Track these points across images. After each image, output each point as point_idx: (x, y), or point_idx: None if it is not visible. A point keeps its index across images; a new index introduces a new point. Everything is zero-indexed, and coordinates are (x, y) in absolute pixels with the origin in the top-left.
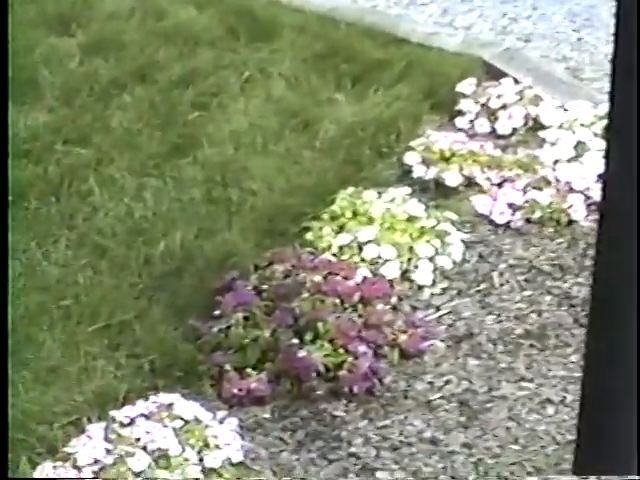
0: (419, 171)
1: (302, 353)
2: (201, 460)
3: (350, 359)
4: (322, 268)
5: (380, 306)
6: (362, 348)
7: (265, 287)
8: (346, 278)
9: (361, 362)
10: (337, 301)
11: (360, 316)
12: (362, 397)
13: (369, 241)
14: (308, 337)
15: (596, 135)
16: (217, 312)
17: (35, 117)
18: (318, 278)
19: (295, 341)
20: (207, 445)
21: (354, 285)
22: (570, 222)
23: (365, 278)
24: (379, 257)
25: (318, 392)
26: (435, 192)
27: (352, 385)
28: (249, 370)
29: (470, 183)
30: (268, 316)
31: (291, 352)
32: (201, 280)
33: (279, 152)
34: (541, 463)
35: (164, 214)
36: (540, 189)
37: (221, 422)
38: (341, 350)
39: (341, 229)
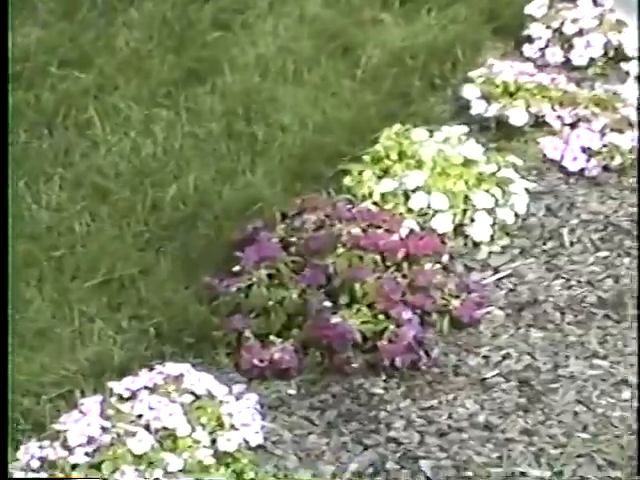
0: (478, 107)
1: (335, 319)
2: (214, 442)
3: (392, 327)
4: (361, 219)
5: (429, 265)
6: (406, 314)
7: (293, 240)
8: (389, 231)
9: (405, 331)
10: (378, 258)
11: (405, 277)
12: (405, 372)
13: (417, 188)
14: (343, 300)
15: None
16: (236, 268)
17: (26, 33)
18: (356, 231)
19: (327, 304)
20: (221, 425)
21: (398, 240)
22: None
23: (411, 232)
24: (429, 207)
25: (353, 365)
26: (497, 132)
27: (393, 358)
28: (272, 337)
29: (538, 122)
30: (296, 274)
31: (322, 317)
32: (218, 230)
33: (313, 81)
34: (614, 455)
35: (176, 152)
36: (620, 131)
37: (238, 398)
38: (381, 316)
39: (385, 173)
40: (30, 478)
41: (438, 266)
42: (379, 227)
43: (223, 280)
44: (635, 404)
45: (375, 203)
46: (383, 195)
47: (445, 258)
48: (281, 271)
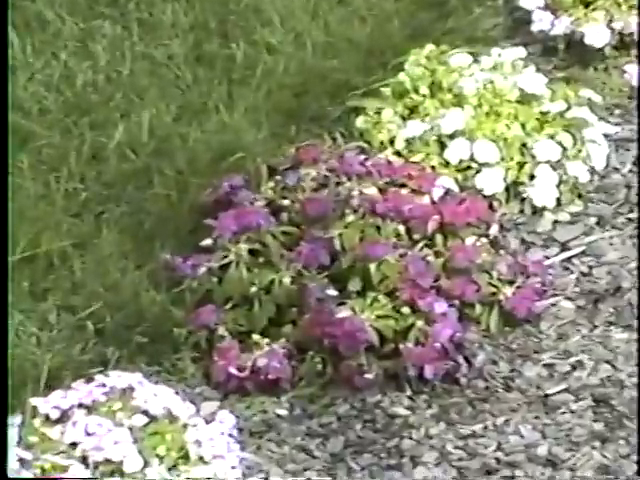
0: (541, 21)
1: (343, 312)
2: None
3: (420, 324)
4: (378, 175)
5: (471, 240)
6: (440, 307)
7: (285, 204)
8: (417, 192)
9: (438, 329)
10: (401, 229)
11: (438, 255)
12: (437, 386)
13: (456, 133)
14: (353, 287)
15: None
16: (207, 242)
17: None
18: (371, 191)
19: (332, 292)
20: (185, 457)
21: (429, 204)
22: None
23: (448, 193)
24: (472, 160)
25: (367, 376)
26: (566, 57)
27: (422, 366)
28: (256, 337)
29: (624, 43)
30: (289, 251)
31: (325, 310)
32: (182, 189)
33: None
34: None
35: (124, 81)
36: None
37: (209, 421)
38: (405, 309)
39: (411, 113)
40: (30, 478)
41: (484, 240)
42: (403, 186)
43: (188, 258)
44: None
45: (398, 153)
46: (409, 142)
47: (494, 229)
48: (268, 246)
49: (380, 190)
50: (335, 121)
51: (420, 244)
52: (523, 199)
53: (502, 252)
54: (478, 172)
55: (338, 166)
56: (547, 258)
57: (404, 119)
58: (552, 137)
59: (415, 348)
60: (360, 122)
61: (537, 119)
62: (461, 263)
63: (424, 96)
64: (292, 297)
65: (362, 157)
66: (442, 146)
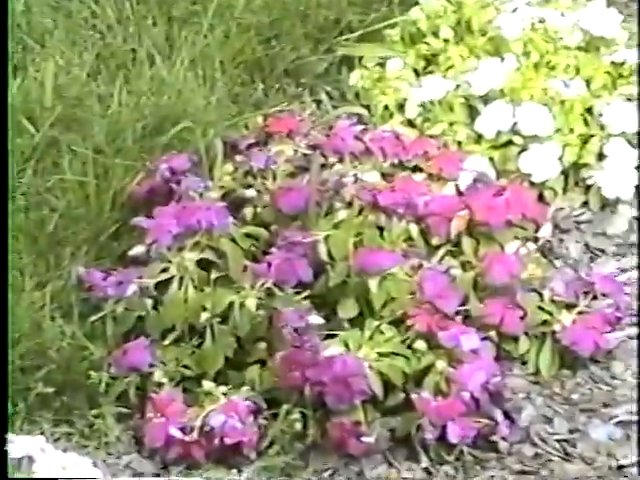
0: None
1: (332, 349)
2: None
3: (441, 365)
4: (381, 154)
5: (513, 245)
6: (469, 340)
7: (249, 195)
8: (436, 178)
9: (467, 373)
10: (414, 230)
11: (467, 267)
12: (466, 454)
13: (492, 94)
14: (346, 312)
15: None
16: (137, 250)
17: None
18: (372, 176)
19: (316, 320)
20: None
21: (454, 195)
22: None
23: (480, 180)
24: (514, 132)
25: (366, 439)
26: None
27: (444, 425)
28: (208, 385)
29: None
30: (255, 261)
31: (306, 345)
32: (102, 174)
33: None
34: None
35: (18, 18)
36: None
37: None
38: (421, 344)
39: (428, 65)
40: (30, 478)
41: (532, 247)
42: (416, 170)
43: (111, 273)
44: None
45: (409, 123)
46: (425, 108)
47: (546, 231)
48: (226, 255)
49: (384, 175)
50: (320, 77)
51: (441, 252)
52: (588, 188)
53: (558, 263)
54: (523, 150)
55: (324, 141)
56: (621, 272)
57: (418, 74)
58: (629, 99)
59: (434, 399)
60: (355, 78)
61: (607, 73)
62: (499, 279)
63: (446, 41)
64: (259, 327)
65: (358, 128)
66: (472, 113)
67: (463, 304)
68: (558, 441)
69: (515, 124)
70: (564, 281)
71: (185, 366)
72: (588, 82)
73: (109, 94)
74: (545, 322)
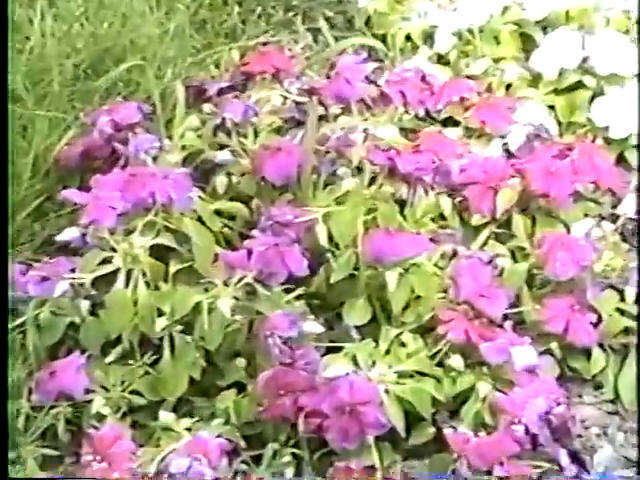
0: None
1: (335, 367)
2: None
3: (484, 387)
4: (402, 101)
5: (582, 227)
6: (523, 354)
7: (221, 158)
8: (477, 134)
9: (520, 399)
10: (446, 205)
11: (518, 255)
12: None
13: (552, 19)
14: (354, 317)
15: None
16: (68, 234)
17: None
18: (389, 131)
19: (312, 327)
20: None
21: (501, 159)
22: None
23: (533, 138)
24: (583, 71)
25: None
26: None
27: (489, 468)
28: (167, 417)
29: None
30: (230, 248)
31: (299, 362)
32: (20, 131)
33: None
34: None
35: None
36: None
37: None
38: (456, 359)
39: None
40: (30, 478)
41: (608, 227)
42: (450, 123)
43: (32, 265)
44: None
45: (440, 59)
46: (460, 38)
47: (628, 206)
48: (191, 240)
49: (405, 131)
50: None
51: (483, 234)
52: None
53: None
54: (597, 95)
55: (324, 85)
56: None
57: None
58: None
59: (475, 435)
60: None
61: None
62: (563, 271)
63: None
64: (235, 338)
65: (370, 67)
66: (526, 44)
67: (514, 306)
68: None
69: (586, 59)
70: None
71: (135, 392)
72: None
73: (27, 19)
74: (626, 330)
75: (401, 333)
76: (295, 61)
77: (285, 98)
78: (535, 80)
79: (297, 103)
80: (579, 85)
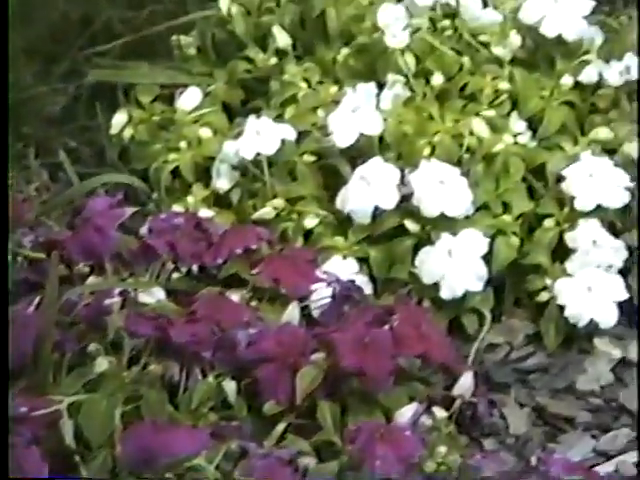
0: None
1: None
2: None
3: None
4: (168, 253)
5: (406, 414)
6: None
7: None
8: (265, 296)
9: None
10: (236, 401)
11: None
12: None
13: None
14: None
15: None
16: None
17: None
18: (154, 295)
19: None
20: None
21: (298, 329)
22: None
23: (341, 299)
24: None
25: None
26: None
27: None
28: None
29: None
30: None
31: None
32: None
33: None
34: None
35: None
36: None
37: None
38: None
39: (248, 97)
40: (30, 478)
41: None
42: (234, 283)
43: None
44: None
45: (219, 200)
46: (246, 173)
47: (464, 385)
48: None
49: (176, 293)
50: (56, 122)
51: (281, 426)
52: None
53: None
54: (421, 244)
55: (67, 236)
56: None
57: (232, 115)
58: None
59: None
60: (119, 124)
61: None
62: (386, 470)
63: (282, 54)
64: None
65: (128, 211)
66: (331, 176)
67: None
68: None
69: (406, 198)
70: None
71: None
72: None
73: None
74: None
75: None
76: (28, 206)
77: (15, 255)
78: (342, 226)
79: (31, 261)
80: (399, 231)
